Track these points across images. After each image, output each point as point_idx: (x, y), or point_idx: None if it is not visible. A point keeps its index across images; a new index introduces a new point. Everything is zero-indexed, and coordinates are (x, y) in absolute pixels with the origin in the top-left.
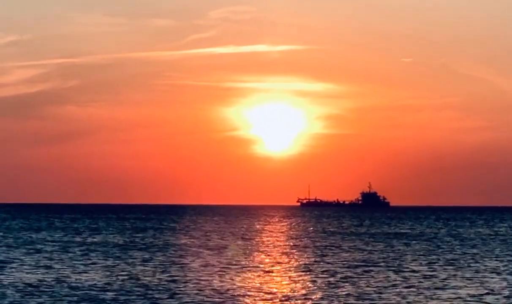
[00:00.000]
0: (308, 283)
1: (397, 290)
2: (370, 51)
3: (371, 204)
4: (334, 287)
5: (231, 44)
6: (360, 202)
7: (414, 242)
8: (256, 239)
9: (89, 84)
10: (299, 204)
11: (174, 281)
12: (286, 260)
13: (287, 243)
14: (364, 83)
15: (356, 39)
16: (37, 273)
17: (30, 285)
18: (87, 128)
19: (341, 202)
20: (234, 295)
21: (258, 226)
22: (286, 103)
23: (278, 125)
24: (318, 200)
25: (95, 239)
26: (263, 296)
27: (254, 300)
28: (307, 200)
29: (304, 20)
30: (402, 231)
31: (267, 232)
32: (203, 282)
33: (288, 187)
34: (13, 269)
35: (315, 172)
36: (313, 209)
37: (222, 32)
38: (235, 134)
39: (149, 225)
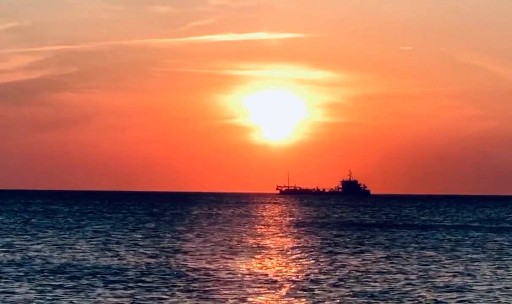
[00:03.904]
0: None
1: None
2: (369, 39)
3: (351, 192)
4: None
5: (231, 32)
6: (340, 190)
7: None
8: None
9: (87, 71)
10: (278, 191)
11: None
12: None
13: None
14: (364, 71)
15: (356, 27)
16: None
17: None
18: (85, 114)
19: (321, 190)
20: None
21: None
22: (285, 91)
23: (277, 113)
24: (297, 188)
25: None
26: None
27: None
28: (286, 188)
29: (304, 8)
30: None
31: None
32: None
33: (284, 175)
34: None
35: (311, 160)
36: (291, 197)
37: (221, 19)
38: (233, 121)
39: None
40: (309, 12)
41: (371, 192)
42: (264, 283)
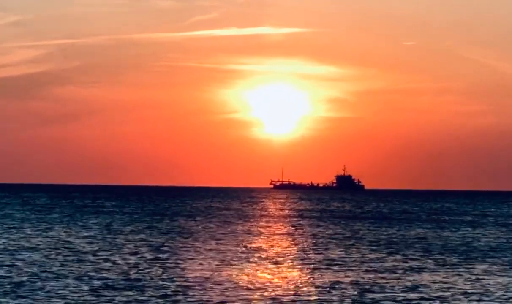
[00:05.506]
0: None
1: None
2: (372, 34)
3: (345, 187)
4: None
5: (234, 26)
6: (334, 185)
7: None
8: None
9: (90, 65)
10: (272, 186)
11: None
12: None
13: None
14: (366, 66)
15: (359, 22)
16: None
17: None
18: (88, 109)
19: (315, 185)
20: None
21: None
22: (287, 86)
23: (279, 108)
24: (292, 183)
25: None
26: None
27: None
28: (280, 183)
29: (307, 3)
30: None
31: None
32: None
33: (283, 169)
34: None
35: (311, 155)
36: (284, 191)
37: (224, 13)
38: (235, 116)
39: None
40: (312, 6)
41: (366, 187)
42: (250, 284)
